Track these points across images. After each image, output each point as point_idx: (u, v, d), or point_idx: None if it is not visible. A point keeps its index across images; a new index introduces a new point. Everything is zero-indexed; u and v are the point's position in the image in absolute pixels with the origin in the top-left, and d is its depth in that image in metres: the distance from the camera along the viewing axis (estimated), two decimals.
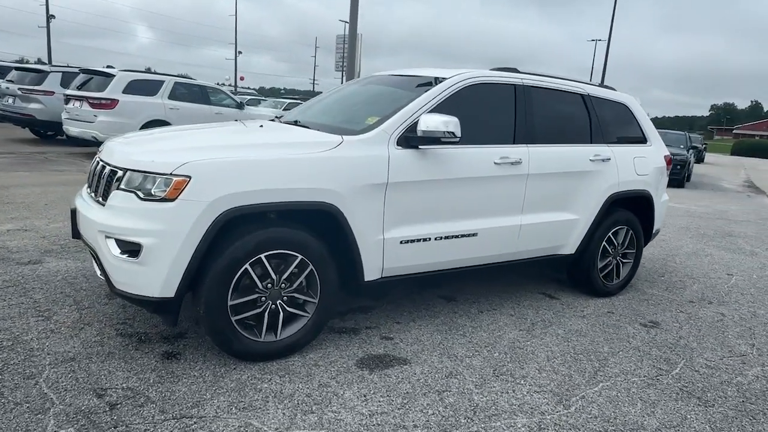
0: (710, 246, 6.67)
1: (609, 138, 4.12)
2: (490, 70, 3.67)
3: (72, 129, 9.88)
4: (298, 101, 23.41)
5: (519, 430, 2.36)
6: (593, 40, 51.07)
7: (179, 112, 10.45)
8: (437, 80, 3.35)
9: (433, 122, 2.93)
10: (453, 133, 2.92)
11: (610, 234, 4.13)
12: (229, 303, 2.60)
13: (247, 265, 2.59)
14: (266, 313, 2.72)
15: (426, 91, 3.22)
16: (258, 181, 2.56)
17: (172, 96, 10.44)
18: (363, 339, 3.14)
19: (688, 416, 2.60)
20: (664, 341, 3.49)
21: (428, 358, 2.97)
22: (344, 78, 57.07)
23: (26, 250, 4.25)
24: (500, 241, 3.50)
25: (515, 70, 3.77)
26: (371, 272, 3.01)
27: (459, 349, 3.11)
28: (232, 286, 2.58)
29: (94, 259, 2.95)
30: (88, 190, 2.97)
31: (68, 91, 10.13)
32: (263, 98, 24.45)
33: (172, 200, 2.43)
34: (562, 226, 3.83)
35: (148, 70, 10.59)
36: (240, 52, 42.93)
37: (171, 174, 2.44)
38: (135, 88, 9.91)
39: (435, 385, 2.68)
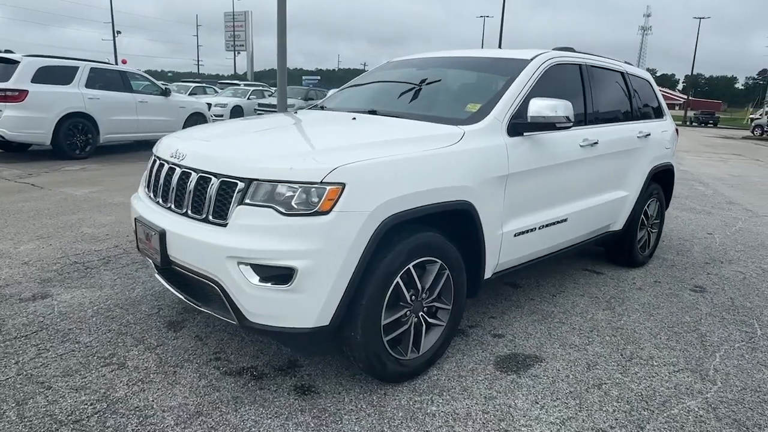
0: (670, 208, 7.27)
1: (643, 114, 4.26)
2: (552, 50, 3.58)
3: None
4: (204, 85, 21.81)
5: (698, 414, 2.37)
6: (482, 17, 53.40)
7: (100, 103, 9.21)
8: (515, 62, 3.20)
9: (540, 107, 2.79)
10: (567, 117, 2.81)
11: (645, 207, 4.31)
12: (383, 322, 2.30)
13: (398, 278, 2.30)
14: (412, 328, 2.46)
15: (518, 74, 3.05)
16: (410, 183, 2.26)
17: (90, 84, 9.15)
18: (478, 340, 2.98)
19: None
20: (723, 304, 3.72)
21: (554, 351, 2.88)
22: (236, 59, 53.57)
23: (18, 282, 3.48)
24: (581, 223, 3.49)
25: (572, 50, 3.72)
26: (488, 270, 2.84)
27: (571, 338, 3.06)
28: (385, 304, 2.28)
29: (179, 287, 2.48)
30: (169, 205, 2.45)
31: None
32: (163, 83, 22.36)
33: (326, 213, 2.06)
34: (618, 203, 3.91)
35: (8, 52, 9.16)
36: (119, 32, 38.78)
37: (322, 182, 2.07)
38: (45, 76, 8.52)
39: (587, 380, 2.61)
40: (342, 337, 2.27)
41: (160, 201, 2.52)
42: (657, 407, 2.41)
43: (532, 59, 3.18)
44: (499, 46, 35.55)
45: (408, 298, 2.39)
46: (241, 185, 2.15)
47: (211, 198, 2.23)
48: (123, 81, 9.83)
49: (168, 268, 2.41)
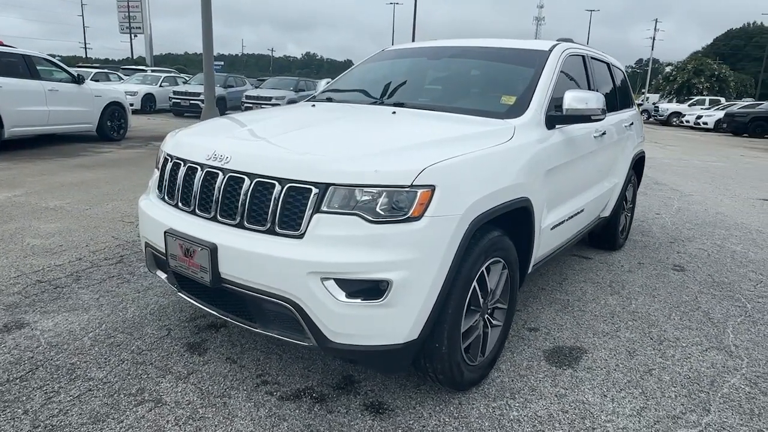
0: None
1: (624, 104, 4.44)
2: (558, 41, 3.59)
3: None
4: (107, 71, 19.87)
5: (749, 394, 2.50)
6: (392, 4, 53.65)
7: (3, 92, 8.05)
8: (535, 52, 3.17)
9: (575, 99, 2.78)
10: (602, 110, 2.82)
11: (625, 192, 4.52)
12: (462, 330, 2.18)
13: (475, 282, 2.19)
14: (481, 331, 2.36)
15: (543, 66, 3.02)
16: (489, 183, 2.15)
17: None
18: (516, 336, 2.95)
19: None
20: (705, 281, 4.00)
21: (592, 341, 2.93)
22: (132, 42, 49.44)
23: None
24: (590, 212, 3.57)
25: (571, 41, 3.76)
26: (531, 265, 2.81)
27: (599, 325, 3.13)
28: (465, 310, 2.16)
29: (224, 307, 2.20)
30: (212, 214, 2.13)
31: None
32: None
33: (418, 219, 1.90)
34: (610, 190, 4.06)
35: None
36: None
37: (412, 185, 1.89)
38: None
39: (637, 368, 2.67)
40: (423, 350, 2.12)
41: (197, 210, 2.19)
42: (709, 388, 2.52)
43: (551, 50, 3.17)
44: (413, 36, 36.00)
45: (480, 303, 2.29)
46: (315, 191, 1.91)
47: (276, 206, 1.96)
48: (28, 66, 8.66)
49: (218, 288, 2.10)
